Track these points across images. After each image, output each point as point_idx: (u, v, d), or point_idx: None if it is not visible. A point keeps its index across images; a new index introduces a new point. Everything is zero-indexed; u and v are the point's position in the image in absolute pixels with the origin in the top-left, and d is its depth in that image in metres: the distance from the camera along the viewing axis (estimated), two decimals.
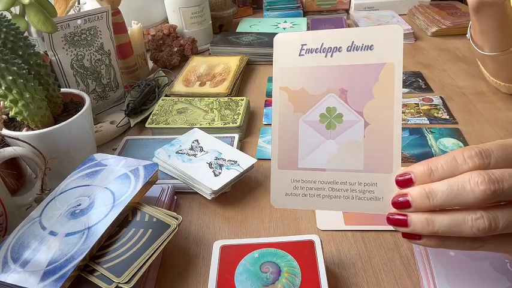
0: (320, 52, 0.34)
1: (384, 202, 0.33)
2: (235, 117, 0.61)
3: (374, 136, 0.33)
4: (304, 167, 0.35)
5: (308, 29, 1.01)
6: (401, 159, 0.40)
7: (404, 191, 0.30)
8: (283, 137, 0.35)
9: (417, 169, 0.30)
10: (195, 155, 0.52)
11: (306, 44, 0.35)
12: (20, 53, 0.47)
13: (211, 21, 0.97)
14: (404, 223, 0.30)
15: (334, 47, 0.34)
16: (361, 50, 0.33)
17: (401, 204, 0.30)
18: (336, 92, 0.34)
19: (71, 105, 0.53)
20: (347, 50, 0.34)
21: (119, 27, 0.72)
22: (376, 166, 0.33)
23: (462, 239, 0.29)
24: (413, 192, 0.30)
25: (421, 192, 0.29)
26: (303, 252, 0.37)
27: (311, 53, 0.34)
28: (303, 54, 0.35)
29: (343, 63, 0.34)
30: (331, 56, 0.34)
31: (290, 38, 0.35)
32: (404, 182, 0.31)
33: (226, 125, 0.60)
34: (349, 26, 1.04)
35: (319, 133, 0.34)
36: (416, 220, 0.29)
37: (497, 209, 0.28)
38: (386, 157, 0.32)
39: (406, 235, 0.31)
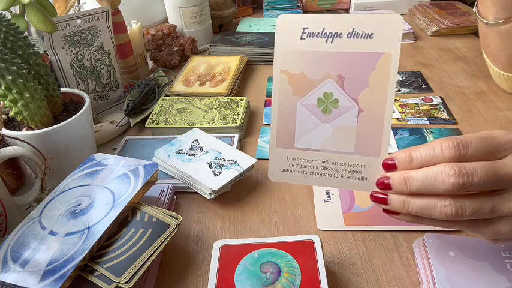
0: (321, 37, 0.35)
1: (370, 182, 0.36)
2: (235, 117, 0.61)
3: (366, 122, 0.35)
4: (300, 147, 0.37)
5: None
6: None
7: (388, 174, 0.34)
8: (282, 118, 0.37)
9: (400, 156, 0.33)
10: (195, 155, 0.52)
11: (307, 28, 0.35)
12: (20, 52, 0.47)
13: (211, 21, 0.96)
14: (384, 201, 0.34)
15: (335, 33, 0.35)
16: (361, 38, 0.34)
17: (384, 186, 0.34)
18: (334, 78, 0.35)
19: (71, 105, 0.53)
20: (347, 37, 0.34)
21: (119, 26, 0.72)
22: (365, 150, 0.35)
23: (434, 219, 0.33)
24: (394, 177, 0.33)
25: (401, 178, 0.32)
26: (303, 252, 0.37)
27: (312, 37, 0.35)
28: (304, 38, 0.36)
29: (343, 49, 0.35)
30: (332, 41, 0.35)
31: (292, 20, 0.36)
32: (389, 166, 0.34)
33: (226, 125, 0.60)
34: None
35: (315, 116, 0.36)
36: (395, 200, 0.33)
37: (466, 198, 0.31)
38: (375, 142, 0.35)
39: (386, 211, 0.35)
